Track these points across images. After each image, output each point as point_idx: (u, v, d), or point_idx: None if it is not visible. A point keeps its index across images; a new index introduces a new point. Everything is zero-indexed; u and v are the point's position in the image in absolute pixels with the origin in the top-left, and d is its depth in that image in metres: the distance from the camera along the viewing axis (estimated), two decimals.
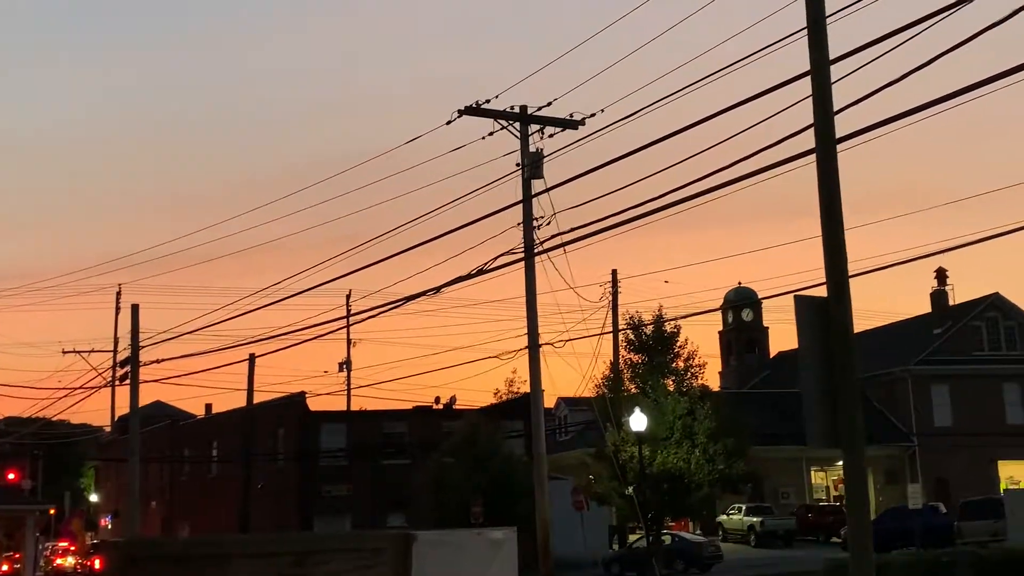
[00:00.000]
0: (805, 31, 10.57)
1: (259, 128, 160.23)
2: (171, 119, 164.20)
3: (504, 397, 63.83)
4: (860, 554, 9.55)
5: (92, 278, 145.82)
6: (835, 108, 10.37)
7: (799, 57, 10.70)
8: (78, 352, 58.44)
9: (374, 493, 46.67)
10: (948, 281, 58.98)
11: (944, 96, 10.72)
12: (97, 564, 50.96)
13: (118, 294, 62.38)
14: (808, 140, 10.90)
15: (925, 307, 60.44)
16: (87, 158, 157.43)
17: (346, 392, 60.27)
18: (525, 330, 31.56)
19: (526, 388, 37.62)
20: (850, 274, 10.06)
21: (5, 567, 25.48)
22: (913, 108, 11.04)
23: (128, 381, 39.28)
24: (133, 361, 38.50)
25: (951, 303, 58.26)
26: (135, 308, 39.31)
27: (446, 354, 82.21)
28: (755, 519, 45.93)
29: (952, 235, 62.57)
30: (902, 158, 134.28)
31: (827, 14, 10.45)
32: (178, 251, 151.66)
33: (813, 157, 10.34)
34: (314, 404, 51.63)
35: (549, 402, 43.49)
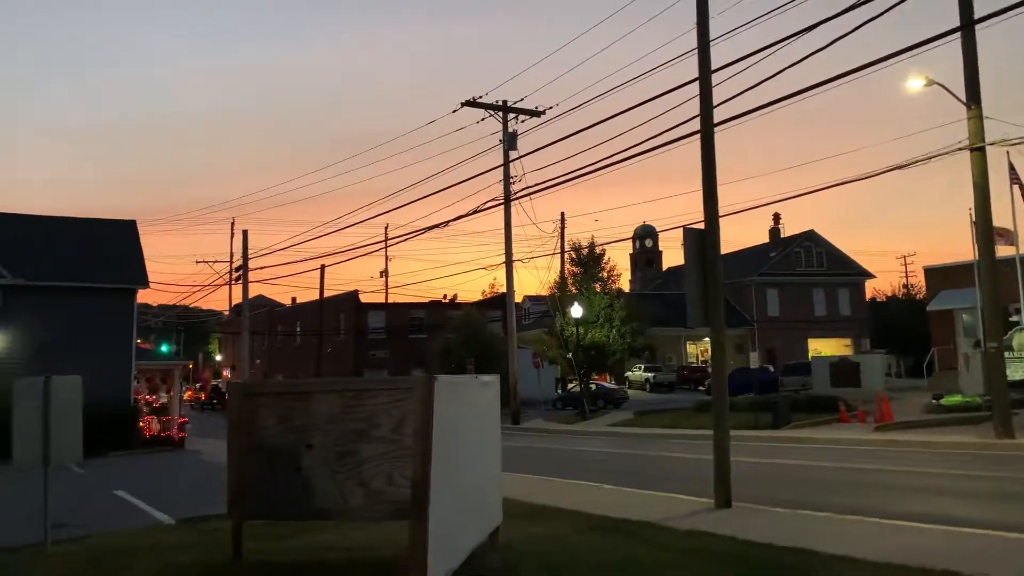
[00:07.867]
0: (696, 52, 10.36)
1: (322, 109, 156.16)
2: (253, 115, 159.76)
3: (488, 295, 63.89)
4: (720, 396, 9.71)
5: (215, 213, 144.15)
6: (714, 103, 10.21)
7: (692, 67, 10.47)
8: (207, 262, 57.63)
9: (402, 357, 46.99)
10: (781, 221, 60.19)
11: (782, 97, 10.61)
12: (202, 396, 51.65)
13: (232, 223, 62.33)
14: (695, 125, 10.78)
15: (765, 238, 60.76)
16: (218, 138, 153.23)
17: (385, 291, 60.28)
18: (503, 250, 31.55)
19: (503, 289, 37.74)
20: (720, 215, 10.02)
21: (163, 400, 25.78)
22: (755, 107, 10.94)
23: (240, 281, 39.17)
24: (244, 268, 38.25)
25: (782, 236, 58.62)
26: (245, 233, 39.01)
27: (451, 266, 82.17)
28: (650, 374, 46.55)
29: (786, 190, 62.80)
30: (758, 138, 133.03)
31: (711, 39, 10.24)
32: (273, 195, 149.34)
33: (698, 138, 10.22)
34: (364, 298, 51.59)
35: (518, 298, 43.58)
